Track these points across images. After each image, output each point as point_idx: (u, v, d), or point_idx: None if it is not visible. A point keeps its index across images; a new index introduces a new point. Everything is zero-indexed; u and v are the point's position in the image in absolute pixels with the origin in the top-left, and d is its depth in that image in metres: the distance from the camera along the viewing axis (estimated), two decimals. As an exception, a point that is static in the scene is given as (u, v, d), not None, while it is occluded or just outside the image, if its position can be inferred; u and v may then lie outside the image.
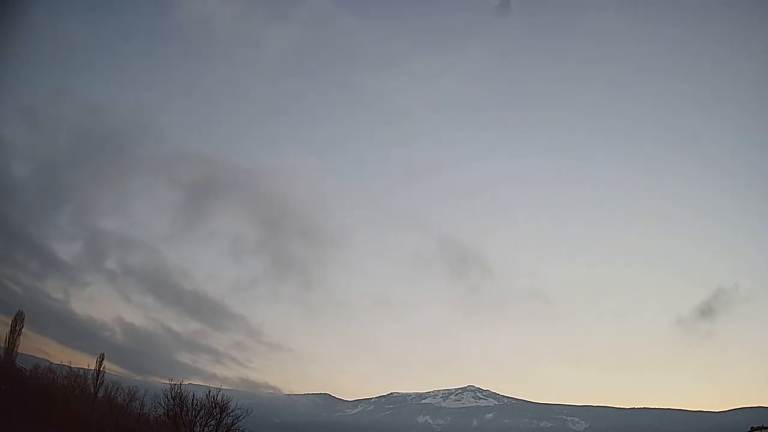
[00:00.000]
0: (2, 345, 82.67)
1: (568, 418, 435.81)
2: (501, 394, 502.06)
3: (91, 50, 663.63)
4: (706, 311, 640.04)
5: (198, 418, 64.20)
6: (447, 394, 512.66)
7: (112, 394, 74.31)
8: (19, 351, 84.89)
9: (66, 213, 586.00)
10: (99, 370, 76.46)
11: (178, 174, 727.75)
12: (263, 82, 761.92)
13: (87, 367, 79.05)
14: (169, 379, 65.71)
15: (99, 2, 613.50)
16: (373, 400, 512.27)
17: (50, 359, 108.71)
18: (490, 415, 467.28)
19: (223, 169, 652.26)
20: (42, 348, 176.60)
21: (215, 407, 64.68)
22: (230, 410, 65.83)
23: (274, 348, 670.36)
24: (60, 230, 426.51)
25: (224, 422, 65.11)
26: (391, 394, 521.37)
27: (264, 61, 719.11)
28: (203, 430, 64.48)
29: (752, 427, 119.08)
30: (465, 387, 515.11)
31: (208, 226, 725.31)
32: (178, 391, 63.92)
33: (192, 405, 64.37)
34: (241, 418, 66.57)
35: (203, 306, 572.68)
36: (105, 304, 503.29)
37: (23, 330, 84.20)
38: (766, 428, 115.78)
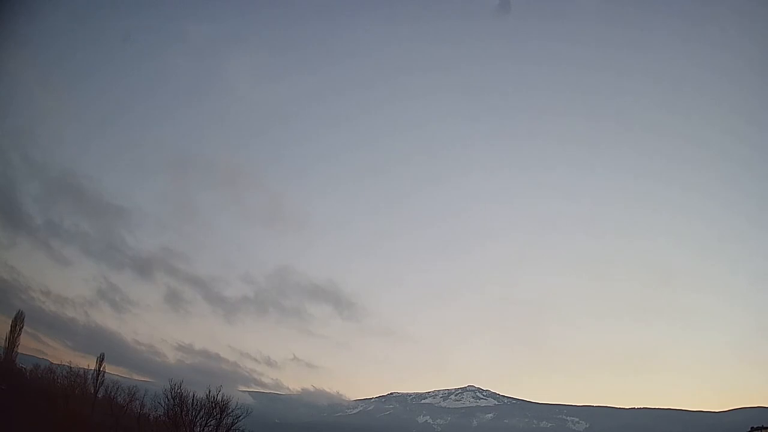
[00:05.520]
0: (2, 345, 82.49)
1: (568, 418, 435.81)
2: (501, 394, 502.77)
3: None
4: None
5: (198, 418, 64.17)
6: (447, 394, 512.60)
7: (112, 394, 74.06)
8: (19, 351, 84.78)
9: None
10: (99, 370, 76.13)
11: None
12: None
13: (87, 367, 78.75)
14: (169, 380, 65.72)
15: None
16: (373, 400, 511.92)
17: (50, 359, 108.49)
18: (490, 415, 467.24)
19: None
20: (42, 348, 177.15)
21: (215, 407, 64.63)
22: (230, 410, 65.82)
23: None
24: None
25: (224, 422, 65.07)
26: (391, 394, 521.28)
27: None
28: (203, 430, 64.42)
29: (752, 427, 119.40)
30: (465, 387, 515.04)
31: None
32: (178, 391, 63.90)
33: (192, 405, 64.33)
34: (241, 418, 66.57)
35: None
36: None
37: (23, 330, 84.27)
38: (766, 428, 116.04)
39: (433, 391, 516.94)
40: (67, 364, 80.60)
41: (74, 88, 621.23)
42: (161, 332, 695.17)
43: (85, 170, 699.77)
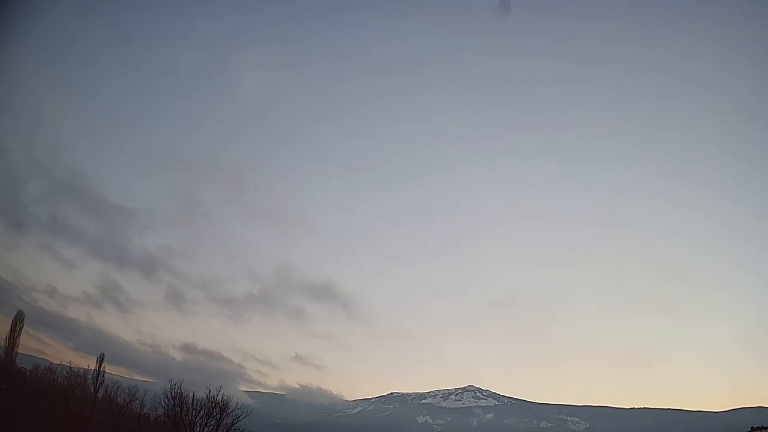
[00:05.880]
0: (2, 345, 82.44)
1: (568, 418, 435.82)
2: (501, 394, 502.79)
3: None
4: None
5: (198, 418, 64.09)
6: (447, 394, 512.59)
7: (112, 394, 73.99)
8: (19, 351, 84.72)
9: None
10: (99, 370, 76.08)
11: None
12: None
13: (87, 367, 78.69)
14: (169, 380, 65.62)
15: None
16: (373, 400, 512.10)
17: (50, 359, 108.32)
18: (490, 415, 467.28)
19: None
20: (42, 348, 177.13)
21: (215, 407, 64.57)
22: (230, 410, 65.75)
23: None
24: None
25: (224, 422, 65.01)
26: (391, 394, 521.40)
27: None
28: (203, 430, 64.37)
29: (752, 427, 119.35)
30: (465, 387, 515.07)
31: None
32: (178, 391, 63.83)
33: (192, 405, 64.26)
34: (241, 418, 66.49)
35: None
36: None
37: (23, 330, 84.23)
38: (766, 428, 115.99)
39: (433, 391, 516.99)
40: (67, 364, 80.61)
41: (77, 87, 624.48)
42: (162, 332, 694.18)
43: (88, 170, 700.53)
